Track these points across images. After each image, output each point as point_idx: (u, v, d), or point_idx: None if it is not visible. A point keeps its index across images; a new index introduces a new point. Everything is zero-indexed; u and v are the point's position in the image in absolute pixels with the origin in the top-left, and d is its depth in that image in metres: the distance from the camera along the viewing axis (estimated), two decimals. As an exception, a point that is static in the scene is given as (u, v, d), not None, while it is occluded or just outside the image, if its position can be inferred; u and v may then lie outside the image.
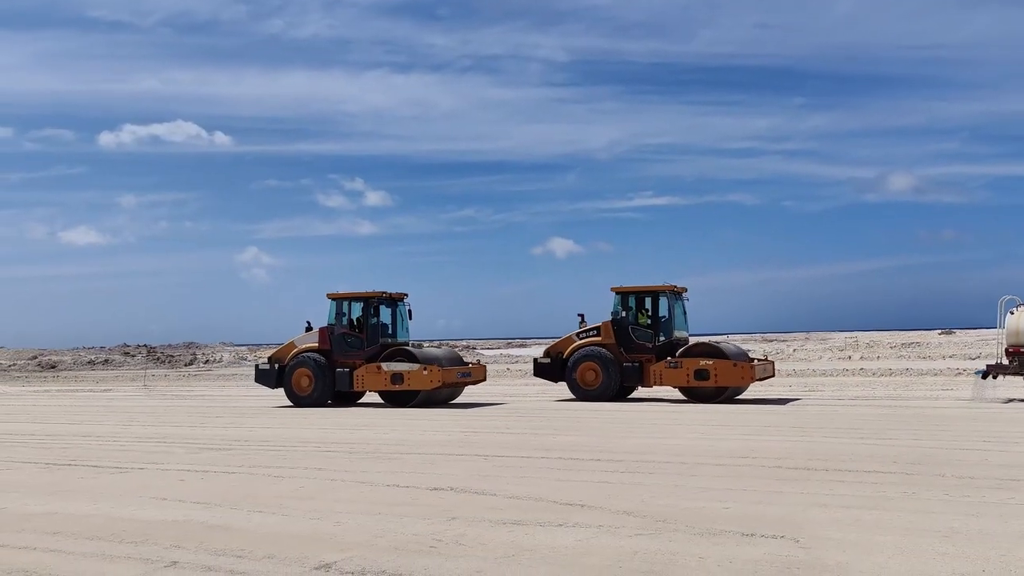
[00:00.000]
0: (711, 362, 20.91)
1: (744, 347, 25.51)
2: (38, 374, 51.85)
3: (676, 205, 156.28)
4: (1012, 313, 20.53)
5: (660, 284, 22.54)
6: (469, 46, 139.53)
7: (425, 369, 21.10)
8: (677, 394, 22.43)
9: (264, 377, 23.09)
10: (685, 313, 23.29)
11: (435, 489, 9.28)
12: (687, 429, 15.23)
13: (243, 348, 69.79)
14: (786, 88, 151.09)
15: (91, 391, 33.81)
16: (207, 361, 60.89)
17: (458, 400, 22.96)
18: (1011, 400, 20.62)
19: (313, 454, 12.57)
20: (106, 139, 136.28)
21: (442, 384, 21.27)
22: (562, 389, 23.31)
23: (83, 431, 16.81)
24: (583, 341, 22.42)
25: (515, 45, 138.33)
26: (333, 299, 22.80)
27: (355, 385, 21.87)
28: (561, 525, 7.37)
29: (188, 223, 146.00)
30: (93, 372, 52.82)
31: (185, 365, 58.49)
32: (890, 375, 31.74)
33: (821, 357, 47.64)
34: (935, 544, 6.53)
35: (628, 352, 21.96)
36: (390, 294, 22.98)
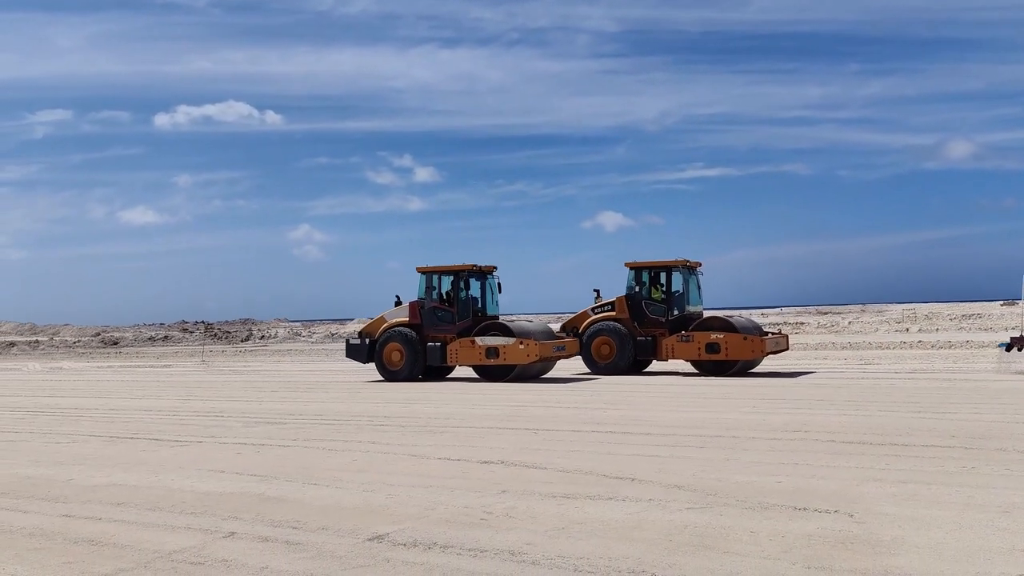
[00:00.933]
0: (722, 336, 21.35)
1: (799, 320, 25.31)
2: (101, 350, 53.45)
3: (728, 176, 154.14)
4: None
5: (673, 259, 22.80)
6: (516, 19, 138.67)
7: (521, 343, 20.82)
8: (693, 368, 22.60)
9: (355, 352, 23.04)
10: (699, 288, 23.59)
11: (485, 462, 9.35)
12: (739, 403, 15.09)
13: (297, 324, 71.00)
14: (840, 55, 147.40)
15: (151, 367, 34.73)
16: (263, 337, 62.07)
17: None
18: None
19: (366, 428, 12.76)
20: (161, 120, 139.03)
21: (539, 358, 20.94)
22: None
23: (144, 405, 17.30)
24: (598, 316, 23.05)
25: (562, 16, 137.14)
26: (423, 273, 22.62)
27: (448, 359, 21.73)
28: (611, 499, 7.38)
29: (241, 201, 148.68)
30: (153, 348, 54.26)
31: (241, 341, 59.71)
32: (949, 347, 31.00)
33: (877, 330, 46.73)
34: (994, 519, 6.38)
35: (642, 326, 22.59)
36: (480, 267, 22.65)
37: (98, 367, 35.60)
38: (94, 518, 7.17)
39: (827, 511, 6.74)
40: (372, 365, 23.01)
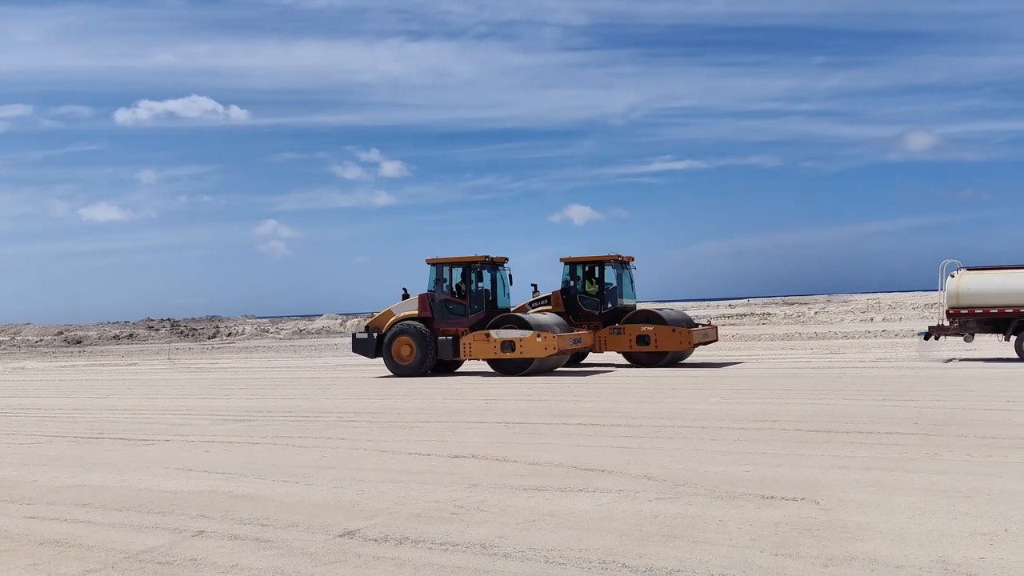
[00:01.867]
0: (651, 328, 21.93)
1: (766, 311, 25.74)
2: (64, 349, 52.61)
3: (696, 169, 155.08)
4: (952, 277, 21.28)
5: (606, 254, 23.31)
6: (484, 12, 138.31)
7: (539, 336, 20.30)
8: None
9: (362, 346, 22.38)
10: (632, 281, 24.26)
11: (456, 456, 9.36)
12: (707, 394, 15.23)
13: (265, 320, 70.36)
14: (807, 47, 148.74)
15: (116, 365, 34.27)
16: (230, 334, 61.50)
17: (470, 369, 23.03)
18: (951, 360, 21.20)
19: (335, 424, 12.70)
20: (123, 116, 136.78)
21: (557, 351, 20.49)
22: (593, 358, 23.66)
23: (109, 405, 17.07)
24: (536, 310, 23.46)
25: (531, 10, 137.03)
26: (433, 264, 21.98)
27: (461, 353, 21.11)
28: (582, 490, 7.42)
29: (207, 197, 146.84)
30: (118, 346, 53.52)
31: (208, 338, 59.11)
32: (912, 336, 31.53)
33: (843, 320, 47.38)
34: (956, 504, 6.52)
35: (577, 319, 22.86)
36: (492, 258, 22.11)
37: (62, 367, 35.05)
38: (60, 519, 7.08)
39: (794, 499, 6.84)
40: (359, 360, 22.74)
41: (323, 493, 7.70)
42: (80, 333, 61.83)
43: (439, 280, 21.91)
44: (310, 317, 71.82)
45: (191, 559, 5.77)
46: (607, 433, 10.77)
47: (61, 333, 61.99)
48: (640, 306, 24.03)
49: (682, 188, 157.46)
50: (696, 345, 22.63)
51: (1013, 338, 20.60)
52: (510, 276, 22.77)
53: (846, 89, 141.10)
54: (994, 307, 20.52)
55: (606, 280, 23.29)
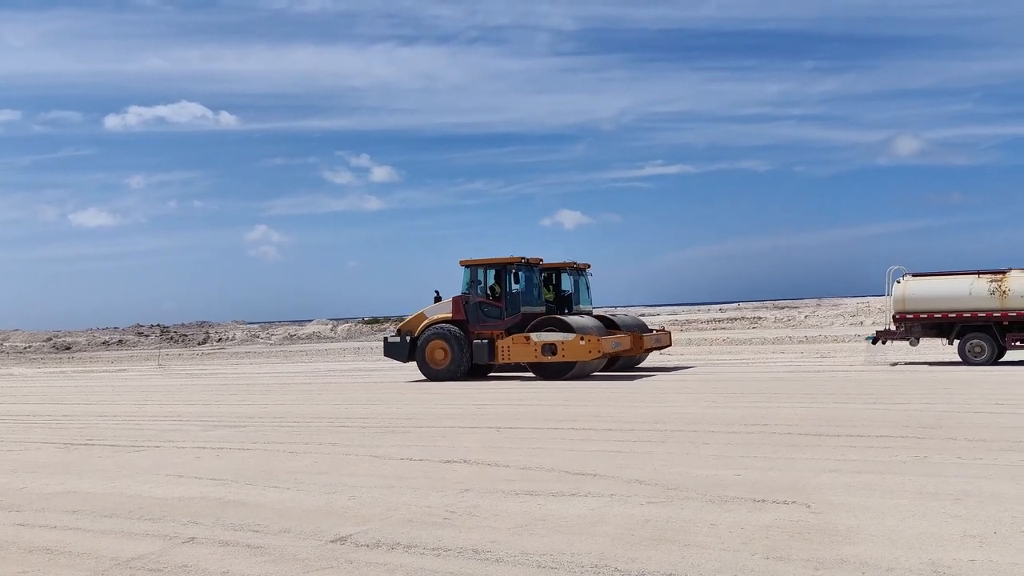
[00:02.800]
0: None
1: (756, 314, 25.90)
2: (53, 355, 52.33)
3: (686, 173, 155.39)
4: (899, 282, 21.80)
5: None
6: (475, 16, 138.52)
7: (582, 339, 19.86)
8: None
9: (395, 350, 22.03)
10: (588, 287, 24.50)
11: (448, 462, 9.35)
12: (698, 398, 15.27)
13: (255, 326, 70.19)
14: (797, 52, 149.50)
15: (106, 371, 34.10)
16: (220, 340, 61.29)
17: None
18: (896, 364, 21.69)
19: (326, 429, 12.67)
20: (112, 122, 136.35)
21: (601, 355, 20.17)
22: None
23: (99, 411, 16.98)
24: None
25: (522, 14, 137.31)
26: (467, 266, 21.64)
27: (499, 357, 20.70)
28: (573, 495, 7.42)
29: (197, 202, 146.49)
30: (107, 352, 53.26)
31: (198, 344, 58.90)
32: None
33: (833, 323, 47.56)
34: (946, 507, 6.55)
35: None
36: (527, 259, 21.79)
37: (50, 373, 34.85)
38: (49, 526, 7.04)
39: (785, 502, 6.86)
40: (349, 365, 22.82)
41: (315, 499, 7.68)
42: (69, 339, 61.52)
43: (473, 282, 21.48)
44: (301, 322, 71.66)
45: (182, 566, 5.75)
46: (599, 437, 10.78)
47: (50, 339, 61.67)
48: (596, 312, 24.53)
49: (673, 192, 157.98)
50: (650, 350, 23.06)
51: (956, 342, 21.17)
52: (543, 278, 22.18)
53: (837, 93, 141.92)
54: (938, 312, 21.02)
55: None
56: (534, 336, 20.39)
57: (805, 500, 6.91)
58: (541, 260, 22.30)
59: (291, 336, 62.14)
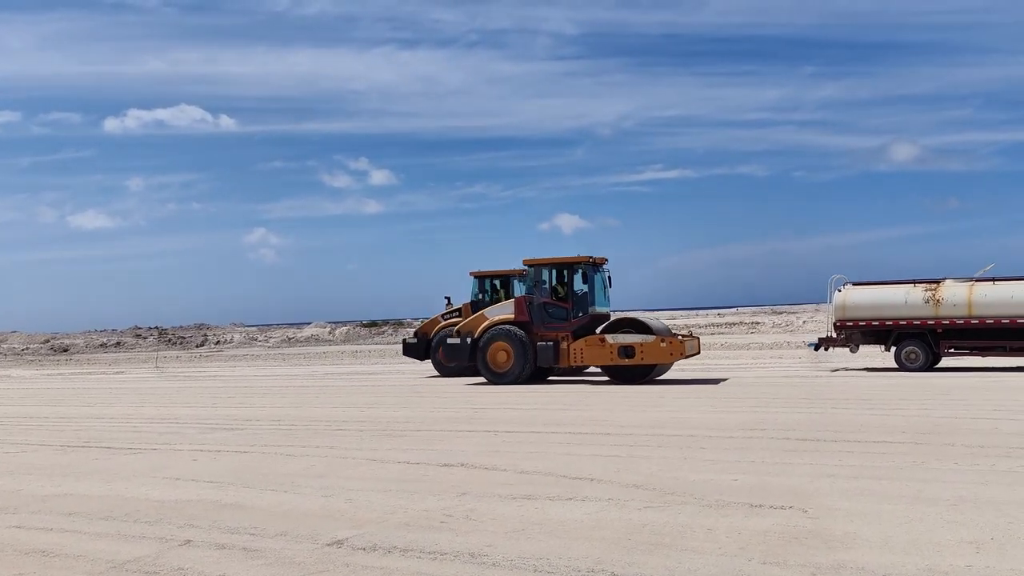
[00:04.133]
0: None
1: (755, 320, 26.11)
2: (51, 357, 52.26)
3: (685, 178, 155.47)
4: (840, 291, 22.44)
5: (511, 268, 24.46)
6: (476, 20, 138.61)
7: (663, 341, 19.37)
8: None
9: (454, 352, 21.40)
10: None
11: (445, 465, 9.34)
12: (696, 403, 15.26)
13: (253, 328, 70.06)
14: (797, 57, 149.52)
15: (103, 373, 34.07)
16: (218, 342, 61.24)
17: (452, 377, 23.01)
18: (837, 370, 22.29)
19: (324, 432, 12.66)
20: (111, 124, 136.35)
21: (682, 356, 19.56)
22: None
23: (96, 413, 16.96)
24: (447, 321, 24.50)
25: (522, 18, 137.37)
26: (531, 265, 21.15)
27: (569, 359, 20.09)
28: (571, 499, 7.42)
29: (196, 205, 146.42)
30: (105, 355, 53.20)
31: (196, 346, 58.85)
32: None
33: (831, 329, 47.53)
34: (943, 513, 6.55)
35: None
36: (593, 259, 21.08)
37: (48, 375, 34.82)
38: (45, 528, 7.03)
39: (782, 507, 6.86)
40: (348, 368, 22.89)
41: (311, 502, 7.68)
42: (67, 341, 61.45)
43: (538, 282, 20.95)
44: (299, 325, 71.57)
45: (178, 569, 5.74)
46: (596, 442, 10.77)
47: (48, 341, 61.59)
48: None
49: (672, 197, 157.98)
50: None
51: (893, 348, 21.76)
52: (609, 278, 21.66)
53: (836, 99, 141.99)
54: (876, 320, 21.59)
55: (515, 292, 24.51)
56: (610, 338, 19.78)
57: (802, 505, 6.91)
58: (606, 260, 21.56)
59: (289, 339, 62.10)
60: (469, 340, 21.12)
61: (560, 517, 6.79)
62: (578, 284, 20.96)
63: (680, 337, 20.27)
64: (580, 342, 20.07)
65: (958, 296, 20.86)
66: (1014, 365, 21.62)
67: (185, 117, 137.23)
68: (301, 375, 27.91)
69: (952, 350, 21.17)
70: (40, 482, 9.19)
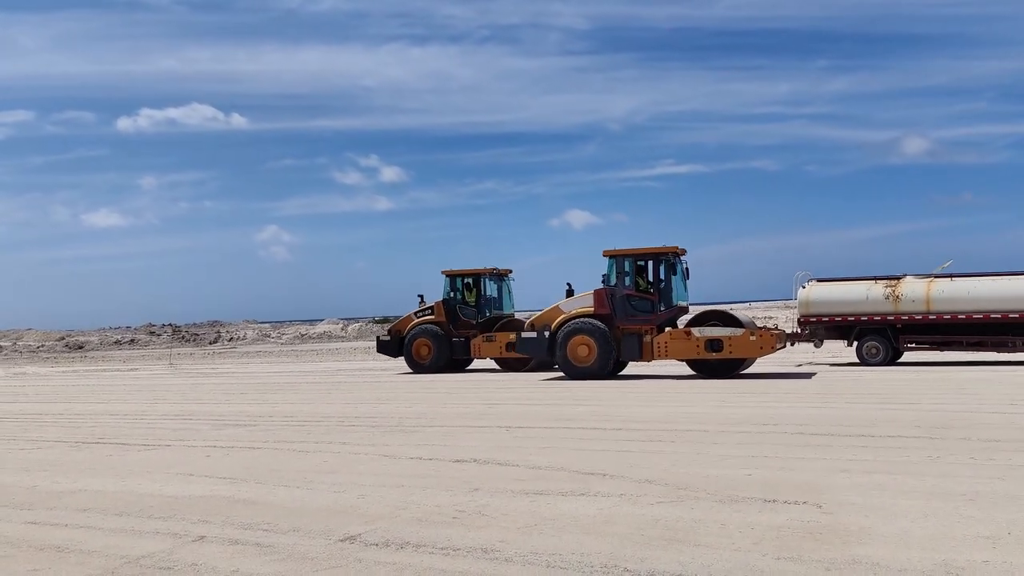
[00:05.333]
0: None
1: (767, 314, 26.38)
2: (66, 355, 52.60)
3: (697, 173, 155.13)
4: (804, 287, 22.83)
5: (483, 268, 25.29)
6: (487, 16, 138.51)
7: (753, 334, 18.93)
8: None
9: (531, 346, 21.09)
10: (510, 292, 26.29)
11: (457, 461, 9.34)
12: (708, 397, 15.21)
13: (266, 325, 70.35)
14: (809, 51, 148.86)
15: (118, 371, 34.25)
16: (231, 339, 61.47)
17: (463, 371, 23.10)
18: (800, 364, 22.66)
19: (336, 429, 12.68)
20: (124, 124, 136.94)
21: (772, 351, 19.27)
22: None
23: (110, 410, 17.05)
24: (420, 319, 25.07)
25: (534, 14, 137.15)
26: (612, 256, 20.47)
27: (653, 353, 19.64)
28: (583, 494, 7.40)
29: (208, 203, 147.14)
30: (119, 352, 53.50)
31: (210, 343, 59.09)
32: None
33: (844, 323, 47.34)
34: (959, 507, 6.50)
35: (456, 328, 24.74)
36: (677, 249, 20.55)
37: (63, 372, 35.04)
38: (60, 524, 7.06)
39: (796, 502, 6.81)
40: (359, 364, 23.07)
41: (324, 498, 7.69)
42: (82, 339, 61.83)
43: (620, 273, 20.34)
44: (311, 322, 71.81)
45: (192, 564, 5.75)
46: (608, 437, 10.74)
47: (62, 339, 62.00)
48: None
49: (684, 192, 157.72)
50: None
51: (855, 343, 22.11)
52: (686, 270, 20.91)
53: (848, 93, 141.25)
54: (839, 315, 21.92)
55: (485, 292, 25.18)
56: (696, 331, 19.27)
57: (816, 500, 6.87)
58: (685, 251, 20.97)
59: (302, 336, 62.28)
60: (546, 333, 20.57)
61: (573, 512, 6.77)
62: (662, 276, 20.45)
63: (772, 331, 19.89)
64: (664, 335, 19.64)
65: (917, 292, 21.21)
66: (1007, 360, 21.44)
67: (197, 115, 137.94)
68: (313, 371, 27.99)
69: (912, 345, 21.51)
70: (55, 478, 9.24)
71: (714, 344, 18.99)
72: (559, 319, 20.64)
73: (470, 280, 25.13)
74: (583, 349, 20.13)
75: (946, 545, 5.55)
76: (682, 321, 21.48)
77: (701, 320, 19.94)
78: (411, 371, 24.80)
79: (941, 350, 21.49)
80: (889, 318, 21.39)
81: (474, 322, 24.58)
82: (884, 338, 21.51)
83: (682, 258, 20.78)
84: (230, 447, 11.10)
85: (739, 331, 19.03)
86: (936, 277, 21.51)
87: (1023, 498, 6.72)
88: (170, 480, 8.84)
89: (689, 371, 20.89)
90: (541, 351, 20.92)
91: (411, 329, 24.95)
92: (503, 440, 10.81)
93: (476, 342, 23.30)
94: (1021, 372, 18.36)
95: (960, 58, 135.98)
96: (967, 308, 20.65)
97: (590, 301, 20.47)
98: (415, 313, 25.34)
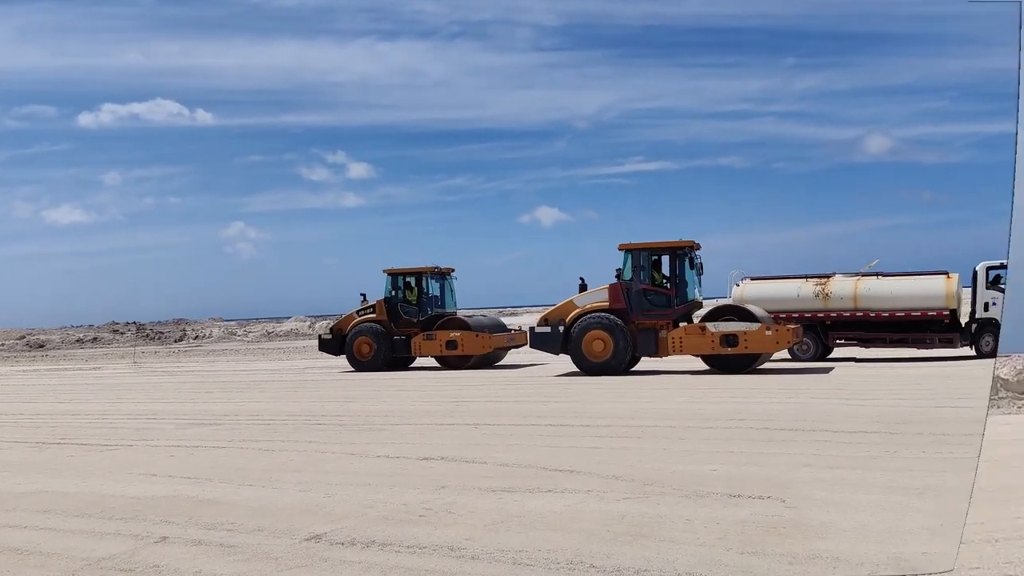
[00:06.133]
0: (459, 334, 23.58)
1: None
2: (26, 353, 51.66)
3: (666, 170, 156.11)
4: (738, 285, 22.96)
5: (426, 266, 24.96)
6: (458, 12, 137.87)
7: (768, 329, 18.75)
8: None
9: (545, 341, 20.56)
10: (452, 291, 26.04)
11: (425, 459, 9.33)
12: (675, 393, 15.34)
13: (232, 323, 69.61)
14: (779, 49, 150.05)
15: (80, 369, 33.72)
16: (197, 337, 60.78)
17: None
18: None
19: (302, 427, 12.61)
20: (85, 119, 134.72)
21: (788, 346, 19.29)
22: (554, 360, 23.77)
23: (72, 409, 16.79)
24: (362, 318, 24.93)
25: (504, 10, 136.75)
26: (628, 251, 20.12)
27: (668, 349, 19.33)
28: (550, 491, 7.43)
29: (174, 199, 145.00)
30: (82, 350, 52.66)
31: (175, 341, 58.38)
32: None
33: (808, 319, 47.99)
34: (912, 501, 6.64)
35: (398, 326, 24.58)
36: (693, 243, 20.29)
37: (23, 371, 34.42)
38: (19, 526, 6.95)
39: (760, 497, 6.91)
40: (327, 362, 22.76)
41: (290, 497, 7.64)
42: (43, 337, 60.77)
43: (636, 268, 19.95)
44: (278, 319, 71.21)
45: (154, 566, 5.70)
46: (576, 433, 10.80)
47: (23, 337, 60.87)
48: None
49: (653, 189, 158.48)
50: (502, 349, 24.31)
51: None
52: (700, 265, 20.58)
53: (817, 90, 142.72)
54: (771, 312, 21.72)
55: (426, 290, 25.01)
56: (711, 326, 19.03)
57: (780, 495, 6.97)
58: (700, 245, 20.71)
59: (268, 333, 61.73)
60: (560, 328, 20.23)
61: (539, 509, 6.80)
62: (679, 270, 20.12)
63: (788, 327, 19.72)
64: (679, 330, 19.39)
65: (845, 290, 21.65)
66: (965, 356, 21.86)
67: (161, 111, 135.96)
68: (280, 370, 27.76)
69: (840, 341, 21.97)
70: (15, 479, 9.09)
71: (729, 339, 18.80)
72: (573, 313, 20.27)
73: (412, 279, 25.03)
74: (598, 344, 19.77)
75: (900, 538, 5.67)
76: (696, 316, 21.28)
77: (716, 315, 19.65)
78: (352, 369, 24.70)
79: (867, 346, 22.06)
80: (819, 315, 21.72)
81: (415, 320, 24.46)
82: (814, 334, 21.80)
83: (696, 252, 20.63)
84: (195, 447, 10.99)
85: (755, 326, 18.87)
86: (863, 275, 22.01)
87: (962, 490, 6.88)
88: (133, 480, 8.74)
89: (652, 368, 21.03)
90: (556, 346, 20.47)
91: (352, 327, 24.85)
92: (471, 437, 10.82)
93: (416, 340, 23.79)
94: (969, 366, 18.74)
95: (925, 56, 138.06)
96: (891, 306, 21.27)
97: (605, 296, 20.13)
98: (357, 312, 25.23)
